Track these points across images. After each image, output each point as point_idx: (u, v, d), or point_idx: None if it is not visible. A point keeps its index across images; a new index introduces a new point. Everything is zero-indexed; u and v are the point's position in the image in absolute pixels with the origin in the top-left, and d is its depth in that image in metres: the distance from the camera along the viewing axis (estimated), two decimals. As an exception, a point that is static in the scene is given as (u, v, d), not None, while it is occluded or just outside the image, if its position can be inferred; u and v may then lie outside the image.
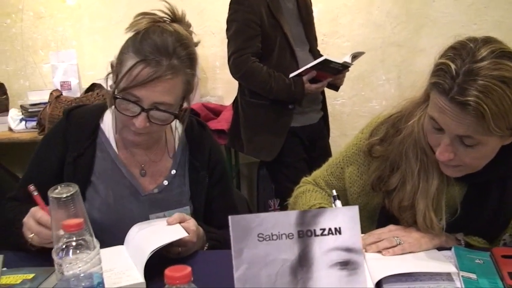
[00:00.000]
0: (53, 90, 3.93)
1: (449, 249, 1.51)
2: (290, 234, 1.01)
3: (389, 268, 1.36)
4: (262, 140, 3.29)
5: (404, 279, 1.35)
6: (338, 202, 1.64)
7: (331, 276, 1.01)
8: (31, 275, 1.40)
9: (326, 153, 3.44)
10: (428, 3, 4.14)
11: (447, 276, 1.37)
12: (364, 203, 1.72)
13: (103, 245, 1.57)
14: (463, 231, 1.58)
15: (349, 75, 3.41)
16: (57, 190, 1.23)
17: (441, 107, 1.36)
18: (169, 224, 1.59)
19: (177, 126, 1.84)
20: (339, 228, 1.01)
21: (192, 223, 1.62)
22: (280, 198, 3.76)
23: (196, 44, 1.70)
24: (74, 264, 1.14)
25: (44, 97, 3.99)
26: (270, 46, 3.17)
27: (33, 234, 1.46)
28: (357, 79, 4.25)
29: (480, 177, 1.52)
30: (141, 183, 1.78)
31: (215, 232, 1.75)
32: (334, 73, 3.19)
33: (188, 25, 1.71)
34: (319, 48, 3.54)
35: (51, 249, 1.18)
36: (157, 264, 1.38)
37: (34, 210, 1.48)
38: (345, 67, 3.18)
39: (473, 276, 1.35)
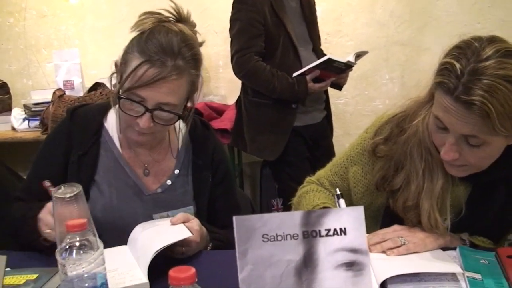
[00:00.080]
0: (56, 89, 3.92)
1: (454, 249, 1.51)
2: (295, 235, 1.00)
3: (393, 269, 1.36)
4: (265, 140, 3.29)
5: (409, 279, 1.34)
6: (342, 201, 1.64)
7: (336, 277, 1.01)
8: (34, 276, 1.40)
9: (329, 152, 3.45)
10: (431, 2, 4.14)
11: (452, 277, 1.36)
12: (368, 203, 1.71)
13: (107, 244, 1.57)
14: (468, 231, 1.58)
15: (352, 74, 3.40)
16: (60, 190, 1.23)
17: (446, 106, 1.35)
18: (172, 224, 1.59)
19: (180, 126, 1.84)
20: (344, 228, 1.01)
21: (195, 223, 1.62)
22: (283, 198, 3.75)
23: (201, 44, 1.70)
24: (77, 265, 1.13)
25: (47, 96, 3.98)
26: (274, 45, 3.16)
27: (50, 230, 1.47)
28: (361, 78, 4.25)
29: (485, 177, 1.51)
30: (144, 183, 1.78)
31: (218, 232, 1.74)
32: (337, 72, 3.18)
33: (193, 25, 1.70)
34: (322, 47, 3.53)
35: None
36: (161, 264, 1.38)
37: (50, 205, 1.48)
38: (348, 66, 3.17)
39: (478, 276, 1.34)
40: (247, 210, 2.22)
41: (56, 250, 1.17)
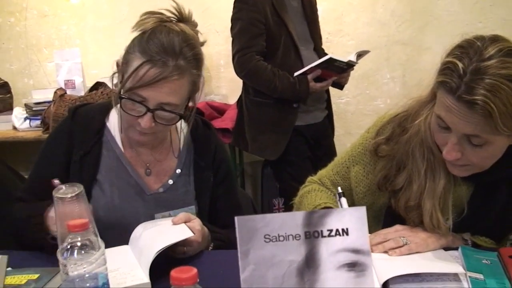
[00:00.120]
0: (57, 89, 3.92)
1: (456, 249, 1.50)
2: (297, 235, 1.00)
3: (395, 269, 1.35)
4: (267, 139, 3.28)
5: (411, 279, 1.34)
6: (344, 200, 1.63)
7: (338, 278, 1.00)
8: (35, 276, 1.40)
9: (330, 152, 3.45)
10: (432, 2, 4.13)
11: (454, 277, 1.36)
12: (370, 202, 1.71)
13: (108, 244, 1.57)
14: (470, 231, 1.58)
15: (353, 73, 3.40)
16: (62, 190, 1.23)
17: (448, 106, 1.35)
18: (174, 223, 1.59)
19: (182, 126, 1.83)
20: (347, 229, 1.00)
21: (197, 222, 1.61)
22: (285, 197, 3.75)
23: (202, 44, 1.70)
24: (79, 265, 1.13)
25: (48, 95, 3.98)
26: (275, 44, 3.16)
27: None
28: (362, 77, 4.24)
29: (487, 177, 1.51)
30: (146, 182, 1.78)
31: (219, 232, 1.74)
32: (339, 71, 3.18)
33: (194, 25, 1.70)
34: (323, 46, 3.53)
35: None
36: (162, 264, 1.38)
37: None
38: (350, 65, 3.17)
39: (480, 276, 1.34)
40: (248, 210, 2.22)
41: (58, 250, 1.17)
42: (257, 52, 3.12)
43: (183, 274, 0.96)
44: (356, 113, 4.37)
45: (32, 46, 4.63)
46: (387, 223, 1.62)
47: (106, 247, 1.47)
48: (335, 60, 3.04)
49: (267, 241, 0.99)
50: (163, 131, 1.73)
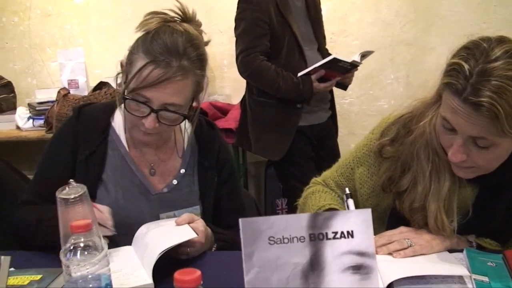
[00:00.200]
0: (61, 89, 3.93)
1: (461, 251, 1.50)
2: (302, 237, 0.99)
3: (400, 271, 1.35)
4: (270, 139, 3.28)
5: (416, 281, 1.33)
6: (351, 201, 1.63)
7: (343, 281, 1.00)
8: (38, 276, 1.39)
9: (334, 152, 3.44)
10: (437, 2, 4.12)
11: (459, 279, 1.35)
12: (374, 204, 1.70)
13: (114, 244, 1.57)
14: (475, 233, 1.57)
15: (357, 74, 3.39)
16: (65, 191, 1.22)
17: (454, 107, 1.34)
18: (177, 224, 1.59)
19: (186, 126, 1.83)
20: (352, 231, 1.00)
21: (200, 223, 1.61)
22: (288, 198, 3.76)
23: (207, 44, 1.69)
24: (82, 266, 1.13)
25: (51, 95, 3.99)
26: (279, 45, 3.15)
27: None
28: (366, 78, 4.24)
29: (493, 179, 1.50)
30: (151, 182, 1.77)
31: (223, 233, 1.74)
32: (342, 72, 3.17)
33: (198, 25, 1.69)
34: (327, 46, 3.52)
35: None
36: (165, 265, 1.38)
37: None
38: (354, 66, 3.16)
39: (486, 279, 1.33)
40: (251, 210, 2.21)
41: (60, 251, 1.16)
42: (261, 52, 3.12)
43: (186, 276, 0.95)
44: (360, 113, 4.37)
45: (35, 46, 4.63)
46: (392, 225, 1.62)
47: (112, 247, 1.47)
48: (339, 61, 3.03)
49: (271, 243, 0.99)
50: (167, 131, 1.72)
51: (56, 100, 3.83)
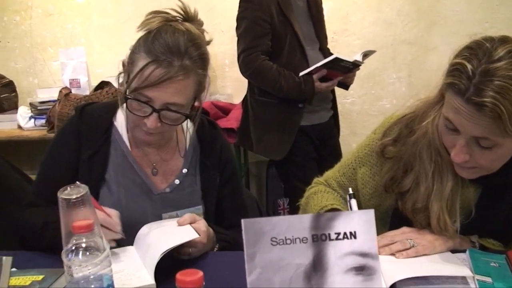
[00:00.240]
0: (62, 88, 3.93)
1: (464, 251, 1.49)
2: (304, 238, 0.99)
3: (403, 272, 1.34)
4: (272, 139, 3.28)
5: (418, 282, 1.33)
6: (354, 201, 1.63)
7: (346, 282, 0.99)
8: (40, 277, 1.39)
9: (336, 152, 3.44)
10: (439, 1, 4.12)
11: (462, 280, 1.35)
12: (377, 204, 1.69)
13: (118, 244, 1.56)
14: (478, 233, 1.56)
15: (359, 73, 3.39)
16: (66, 191, 1.22)
17: (457, 108, 1.33)
18: (179, 225, 1.59)
19: (188, 126, 1.83)
20: (355, 232, 0.99)
21: (202, 224, 1.61)
22: (290, 197, 3.75)
23: (208, 43, 1.69)
24: (83, 266, 1.12)
25: (53, 94, 4.00)
26: (280, 44, 3.15)
27: None
28: (368, 77, 4.23)
29: (495, 179, 1.50)
30: (153, 182, 1.77)
31: (225, 233, 1.74)
32: (344, 71, 3.16)
33: (200, 24, 1.69)
34: (329, 46, 3.51)
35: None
36: (167, 265, 1.37)
37: None
38: (355, 65, 3.16)
39: (489, 279, 1.33)
40: (253, 210, 2.21)
41: (62, 251, 1.16)
42: (263, 52, 3.11)
43: (188, 277, 0.95)
44: (362, 113, 4.36)
45: (37, 45, 4.63)
46: (394, 225, 1.61)
47: (117, 247, 1.46)
48: (341, 60, 3.03)
49: (274, 244, 0.98)
50: (169, 131, 1.72)
51: (58, 99, 3.83)
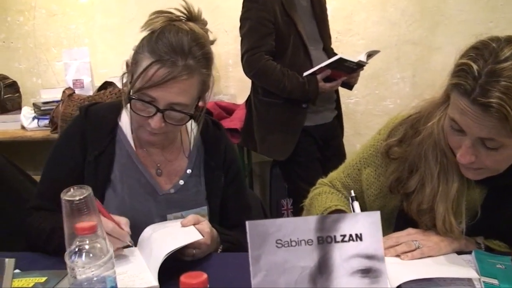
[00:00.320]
0: (66, 88, 3.92)
1: (469, 253, 1.48)
2: (310, 240, 0.98)
3: (408, 273, 1.34)
4: (275, 139, 3.27)
5: (424, 284, 1.32)
6: (356, 204, 1.62)
7: (351, 284, 0.98)
8: (43, 278, 1.39)
9: (339, 152, 3.43)
10: (443, 1, 4.10)
11: (468, 282, 1.34)
12: (381, 205, 1.69)
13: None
14: (483, 234, 1.55)
15: (363, 73, 3.38)
16: (69, 193, 1.21)
17: (463, 108, 1.32)
18: (183, 226, 1.58)
19: (192, 126, 1.82)
20: (360, 234, 0.99)
21: (206, 225, 1.60)
22: (293, 198, 3.74)
23: (212, 42, 1.68)
24: (87, 268, 1.12)
25: (56, 95, 4.00)
26: (284, 44, 3.14)
27: None
28: (372, 77, 4.22)
29: (501, 180, 1.49)
30: (158, 183, 1.77)
31: (229, 234, 1.73)
32: (348, 72, 3.16)
33: (204, 23, 1.68)
34: (333, 46, 3.51)
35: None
36: (171, 266, 1.37)
37: None
38: (360, 65, 3.15)
39: (495, 281, 1.32)
40: (257, 211, 2.21)
41: (65, 253, 1.15)
42: (266, 52, 3.11)
43: (193, 279, 0.94)
44: (366, 113, 4.35)
45: (40, 45, 4.63)
46: (399, 226, 1.60)
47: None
48: (345, 60, 3.02)
49: (279, 246, 0.98)
50: (174, 131, 1.71)
51: (61, 100, 3.83)
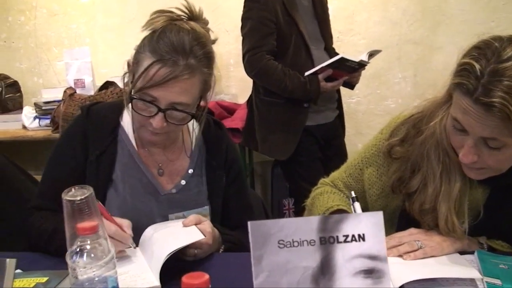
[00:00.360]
0: (67, 88, 3.93)
1: (472, 253, 1.48)
2: (312, 241, 0.97)
3: (410, 273, 1.33)
4: (277, 139, 3.26)
5: (426, 284, 1.32)
6: (357, 204, 1.61)
7: (354, 285, 0.98)
8: (44, 279, 1.38)
9: (341, 152, 3.43)
10: (444, 0, 4.09)
11: (471, 282, 1.33)
12: (384, 205, 1.68)
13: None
14: (486, 234, 1.55)
15: (364, 73, 3.37)
16: (71, 193, 1.21)
17: (465, 108, 1.32)
18: (185, 226, 1.58)
19: (194, 126, 1.82)
20: (363, 234, 0.98)
21: (208, 225, 1.60)
22: (295, 197, 3.74)
23: (213, 42, 1.68)
24: (88, 268, 1.11)
25: (58, 94, 4.00)
26: (285, 44, 3.14)
27: None
28: (373, 77, 4.21)
29: (504, 180, 1.48)
30: (160, 182, 1.76)
31: (230, 234, 1.73)
32: (350, 71, 3.15)
33: (205, 23, 1.68)
34: (334, 45, 3.50)
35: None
36: (173, 267, 1.36)
37: None
38: (361, 65, 3.14)
39: (498, 282, 1.31)
40: (258, 211, 2.20)
41: (67, 253, 1.15)
42: (268, 52, 3.10)
43: (195, 280, 0.94)
44: (367, 113, 4.34)
45: (41, 45, 4.63)
46: (401, 226, 1.60)
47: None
48: (347, 60, 3.02)
49: (281, 246, 0.97)
50: (175, 131, 1.71)
51: (62, 99, 3.83)
